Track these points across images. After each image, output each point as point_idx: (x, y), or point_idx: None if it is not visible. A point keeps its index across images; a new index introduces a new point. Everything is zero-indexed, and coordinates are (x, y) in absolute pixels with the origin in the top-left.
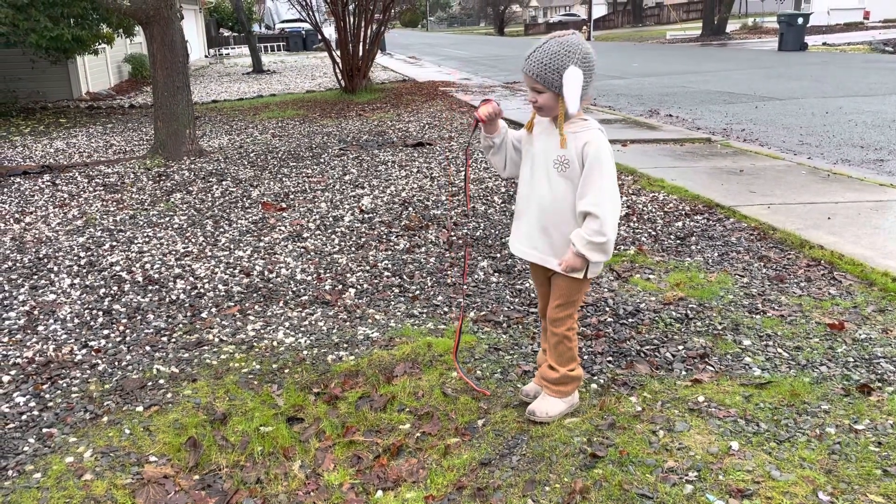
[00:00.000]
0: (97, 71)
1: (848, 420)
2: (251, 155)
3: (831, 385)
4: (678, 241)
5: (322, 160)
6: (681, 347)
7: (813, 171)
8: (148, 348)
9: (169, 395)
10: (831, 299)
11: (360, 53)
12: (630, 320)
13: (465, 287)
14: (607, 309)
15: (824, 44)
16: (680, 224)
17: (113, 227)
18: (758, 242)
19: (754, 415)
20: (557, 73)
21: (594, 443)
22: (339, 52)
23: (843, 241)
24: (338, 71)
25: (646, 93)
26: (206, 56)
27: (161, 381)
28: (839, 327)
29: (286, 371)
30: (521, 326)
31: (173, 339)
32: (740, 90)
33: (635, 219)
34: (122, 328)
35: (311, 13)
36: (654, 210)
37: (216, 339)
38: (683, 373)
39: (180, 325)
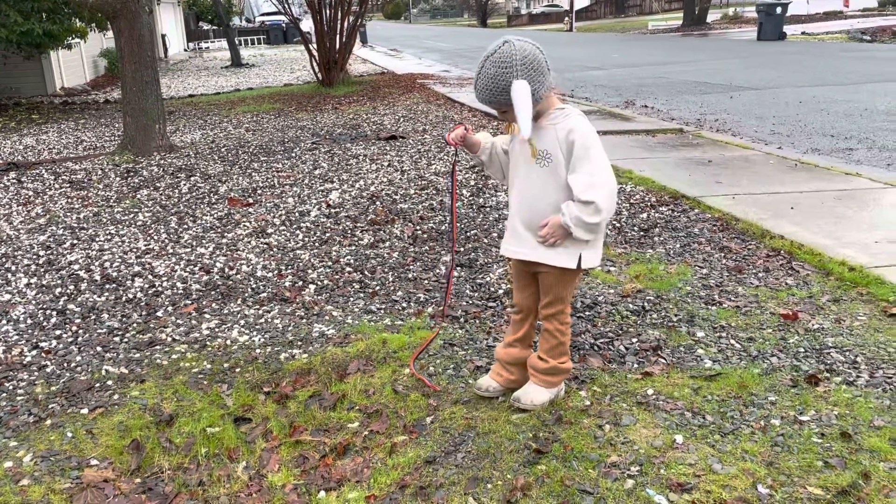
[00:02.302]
0: (72, 66)
1: (793, 411)
2: (222, 150)
3: (780, 376)
4: (641, 233)
5: (293, 154)
6: (634, 340)
7: (781, 160)
8: (99, 349)
9: (116, 397)
10: (787, 289)
11: (338, 46)
12: (587, 313)
13: (445, 314)
14: None
15: (803, 33)
16: (644, 216)
17: (76, 225)
18: (720, 233)
19: (701, 407)
20: (505, 93)
21: (540, 438)
22: (315, 45)
23: (804, 231)
24: (315, 64)
25: (624, 83)
26: (185, 50)
27: (109, 383)
28: (793, 317)
29: (237, 370)
30: (477, 321)
31: (125, 339)
32: (716, 80)
33: None
34: (74, 328)
35: (287, 6)
36: (620, 202)
37: (169, 339)
38: (635, 366)
39: (134, 325)
